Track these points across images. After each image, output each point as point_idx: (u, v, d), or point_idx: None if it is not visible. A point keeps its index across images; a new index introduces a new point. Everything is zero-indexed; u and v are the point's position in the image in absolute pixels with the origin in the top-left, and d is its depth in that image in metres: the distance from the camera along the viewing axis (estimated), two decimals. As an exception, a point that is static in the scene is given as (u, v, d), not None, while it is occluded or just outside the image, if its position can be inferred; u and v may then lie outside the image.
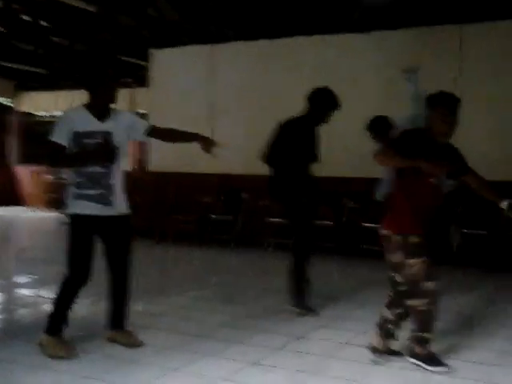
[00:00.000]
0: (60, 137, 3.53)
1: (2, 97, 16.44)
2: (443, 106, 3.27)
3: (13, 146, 15.51)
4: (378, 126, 5.02)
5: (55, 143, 3.53)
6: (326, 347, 3.76)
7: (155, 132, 3.78)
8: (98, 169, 3.52)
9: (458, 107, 3.30)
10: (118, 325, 3.82)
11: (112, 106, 3.66)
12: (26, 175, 14.45)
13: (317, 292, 4.68)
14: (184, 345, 3.78)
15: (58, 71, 14.13)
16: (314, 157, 4.58)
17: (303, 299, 4.50)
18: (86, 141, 3.51)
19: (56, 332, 3.60)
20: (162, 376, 3.21)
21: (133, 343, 3.74)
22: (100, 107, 3.59)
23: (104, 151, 3.50)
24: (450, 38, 7.22)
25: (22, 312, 4.76)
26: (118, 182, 3.63)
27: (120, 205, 3.67)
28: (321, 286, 4.91)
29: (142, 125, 3.76)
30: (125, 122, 3.67)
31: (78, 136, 3.51)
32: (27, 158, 15.55)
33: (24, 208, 14.01)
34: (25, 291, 5.62)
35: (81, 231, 3.58)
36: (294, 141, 4.48)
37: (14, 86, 15.29)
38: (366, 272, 6.42)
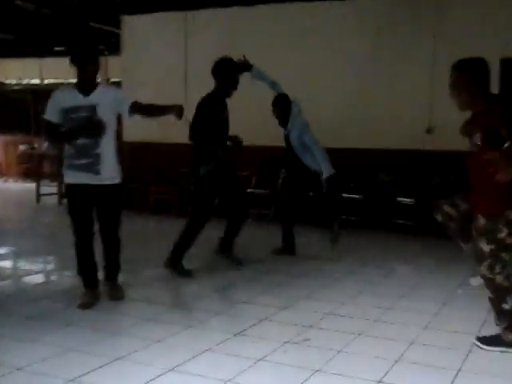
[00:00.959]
0: (51, 115, 3.88)
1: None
2: None
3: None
4: (281, 102, 5.51)
5: (48, 121, 3.89)
6: (312, 318, 3.82)
7: (136, 108, 3.95)
8: (86, 140, 3.83)
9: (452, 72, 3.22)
10: (110, 277, 4.23)
11: (97, 80, 3.97)
12: (-2, 145, 14.17)
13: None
14: (165, 316, 3.83)
15: (25, 37, 13.73)
16: (225, 131, 4.97)
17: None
18: (73, 115, 3.82)
19: (87, 284, 4.11)
20: (145, 347, 3.25)
21: (116, 296, 4.16)
22: (84, 82, 3.87)
23: (90, 125, 3.78)
24: (426, 4, 7.21)
25: (2, 284, 4.74)
26: (106, 152, 3.91)
27: (109, 174, 3.96)
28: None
29: (128, 101, 3.95)
30: (110, 96, 3.93)
31: (65, 112, 3.84)
32: (-1, 127, 15.23)
33: (-4, 178, 13.81)
34: (3, 263, 5.59)
35: (76, 199, 3.97)
36: (203, 118, 4.78)
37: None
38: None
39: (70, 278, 5.04)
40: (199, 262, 5.27)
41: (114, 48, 11.04)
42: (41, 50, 14.53)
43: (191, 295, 4.38)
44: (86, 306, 3.96)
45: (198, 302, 4.18)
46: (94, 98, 3.84)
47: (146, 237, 7.11)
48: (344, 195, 7.17)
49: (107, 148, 3.92)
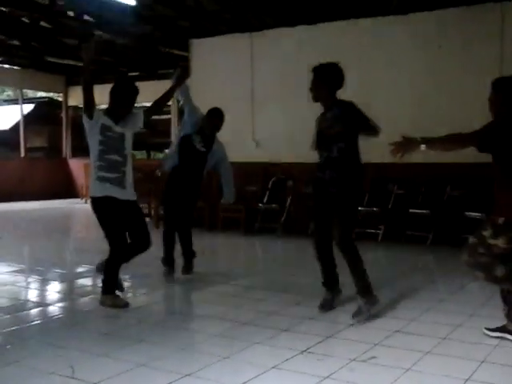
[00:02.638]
0: (96, 119, 4.33)
1: (54, 92, 16.99)
2: None
3: (65, 139, 16.03)
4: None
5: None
6: (379, 335, 3.78)
7: (150, 111, 4.64)
8: (117, 157, 4.31)
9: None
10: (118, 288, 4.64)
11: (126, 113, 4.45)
12: (79, 167, 14.93)
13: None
14: (233, 332, 3.89)
15: (103, 65, 14.47)
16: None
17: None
18: (108, 133, 4.32)
19: (110, 291, 4.50)
20: (213, 363, 3.31)
21: (118, 305, 4.46)
22: (116, 113, 4.39)
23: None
24: (490, 17, 7.04)
25: (82, 301, 5.00)
26: (129, 170, 4.41)
27: (131, 190, 4.43)
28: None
29: (139, 116, 4.50)
30: (130, 122, 4.45)
31: (103, 128, 4.31)
32: (79, 151, 16.07)
33: (78, 200, 14.53)
34: (83, 281, 5.91)
35: (109, 210, 4.36)
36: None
37: (64, 81, 15.72)
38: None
39: (143, 295, 5.26)
40: (267, 279, 5.33)
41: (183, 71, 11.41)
42: (116, 77, 15.25)
43: (259, 312, 4.43)
44: (127, 304, 4.49)
45: (265, 319, 4.22)
46: (121, 127, 4.38)
47: (214, 254, 7.26)
48: (411, 210, 7.05)
49: (130, 167, 4.41)
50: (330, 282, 4.38)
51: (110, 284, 4.52)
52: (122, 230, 4.42)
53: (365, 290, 4.11)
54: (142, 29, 11.36)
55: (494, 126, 3.40)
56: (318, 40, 8.24)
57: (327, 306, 4.33)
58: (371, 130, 4.14)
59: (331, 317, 4.20)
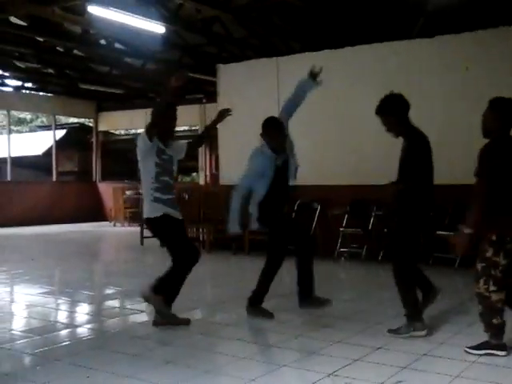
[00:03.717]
0: (153, 141, 4.47)
1: (85, 117, 17.42)
2: None
3: (95, 163, 16.35)
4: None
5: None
6: (407, 359, 3.74)
7: (190, 147, 4.82)
8: (169, 179, 4.52)
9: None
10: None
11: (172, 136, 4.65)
12: (107, 191, 15.18)
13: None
14: (259, 355, 3.90)
15: (133, 91, 14.80)
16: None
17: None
18: (164, 156, 4.51)
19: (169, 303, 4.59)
20: (239, 386, 3.32)
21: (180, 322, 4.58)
22: (165, 136, 4.56)
23: None
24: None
25: (110, 322, 5.05)
26: (174, 192, 4.65)
27: (179, 211, 4.61)
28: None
29: (184, 146, 4.75)
30: (176, 148, 4.65)
31: (160, 151, 4.49)
32: (108, 175, 16.37)
33: (107, 223, 14.75)
34: (112, 302, 5.98)
35: (171, 226, 4.51)
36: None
37: (95, 107, 16.11)
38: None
39: (170, 316, 5.28)
40: (292, 301, 5.31)
41: (211, 96, 11.61)
42: (146, 102, 15.56)
43: (285, 334, 4.41)
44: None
45: (292, 341, 4.20)
46: (170, 150, 4.56)
47: (241, 277, 7.26)
48: (438, 232, 6.98)
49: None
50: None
51: (170, 297, 4.61)
52: (185, 239, 4.68)
53: (409, 313, 4.20)
54: (171, 55, 11.64)
55: (488, 154, 3.61)
56: (344, 64, 8.30)
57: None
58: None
59: (359, 341, 4.16)
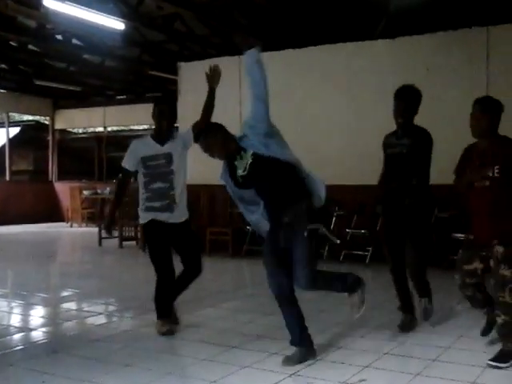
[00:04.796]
0: (128, 163, 4.33)
1: (41, 115, 16.96)
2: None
3: (51, 162, 15.95)
4: None
5: (125, 169, 4.36)
6: (368, 358, 3.73)
7: (196, 127, 4.35)
8: (161, 184, 4.26)
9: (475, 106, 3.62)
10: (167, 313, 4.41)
11: (170, 130, 4.35)
12: (64, 191, 14.83)
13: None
14: (220, 356, 3.83)
15: (91, 88, 14.49)
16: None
17: None
18: (150, 163, 4.27)
19: (159, 316, 4.35)
20: (201, 388, 3.27)
21: (159, 331, 4.32)
22: (160, 134, 4.33)
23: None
24: (476, 40, 7.18)
25: (66, 325, 4.90)
26: (179, 192, 4.32)
27: (182, 212, 4.37)
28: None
29: (190, 133, 4.35)
30: (180, 142, 4.36)
31: (144, 160, 4.27)
32: (65, 174, 15.98)
33: (64, 223, 14.40)
34: (68, 305, 5.80)
35: (156, 235, 4.30)
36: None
37: (51, 104, 15.72)
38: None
39: (130, 319, 5.18)
40: (257, 301, 5.28)
41: (172, 94, 11.46)
42: (104, 100, 15.28)
43: (247, 336, 4.37)
44: (170, 332, 4.31)
45: (254, 342, 4.17)
46: (169, 146, 4.29)
47: (202, 278, 7.18)
48: (455, 235, 6.94)
49: (180, 188, 4.33)
50: (408, 304, 4.41)
51: (158, 309, 4.39)
52: (165, 254, 4.30)
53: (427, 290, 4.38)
54: (131, 52, 11.43)
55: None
56: (307, 63, 8.33)
57: (406, 328, 4.30)
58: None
59: (320, 340, 4.15)
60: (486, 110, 3.58)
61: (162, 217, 4.27)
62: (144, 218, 4.36)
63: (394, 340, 4.11)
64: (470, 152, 3.73)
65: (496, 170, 3.47)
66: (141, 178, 4.35)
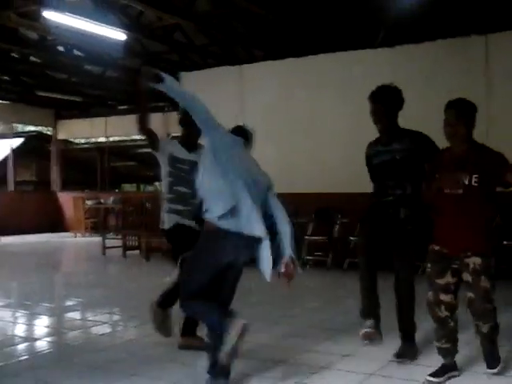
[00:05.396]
0: (162, 150, 4.19)
1: (43, 126, 17.04)
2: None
3: (54, 172, 16.00)
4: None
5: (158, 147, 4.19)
6: (372, 367, 3.74)
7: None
8: (185, 189, 4.12)
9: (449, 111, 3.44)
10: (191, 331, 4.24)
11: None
12: (68, 201, 14.85)
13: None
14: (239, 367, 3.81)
15: (92, 98, 14.57)
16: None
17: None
18: (179, 165, 4.19)
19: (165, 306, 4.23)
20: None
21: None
22: (189, 141, 4.26)
23: None
24: (475, 48, 7.22)
25: (71, 335, 4.92)
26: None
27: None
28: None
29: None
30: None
31: (173, 159, 4.18)
32: (68, 184, 16.03)
33: (68, 233, 14.42)
34: (73, 314, 5.82)
35: (181, 239, 4.06)
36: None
37: (53, 115, 15.78)
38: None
39: (134, 328, 5.19)
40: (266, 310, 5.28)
41: (174, 104, 11.51)
42: (106, 110, 15.35)
43: (252, 345, 4.38)
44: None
45: (260, 351, 4.17)
46: (195, 156, 4.14)
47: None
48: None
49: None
50: (373, 310, 3.87)
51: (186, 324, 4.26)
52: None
53: (411, 334, 3.86)
54: (132, 62, 11.50)
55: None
56: (307, 72, 8.37)
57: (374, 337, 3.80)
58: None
59: (326, 349, 4.16)
60: (462, 114, 3.38)
61: (186, 222, 4.10)
62: (168, 221, 4.19)
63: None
64: (441, 156, 3.53)
65: (474, 179, 3.27)
66: (166, 178, 4.22)
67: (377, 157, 3.94)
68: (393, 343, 3.91)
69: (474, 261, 3.28)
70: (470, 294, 3.33)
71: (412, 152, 3.80)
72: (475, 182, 3.27)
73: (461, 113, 3.38)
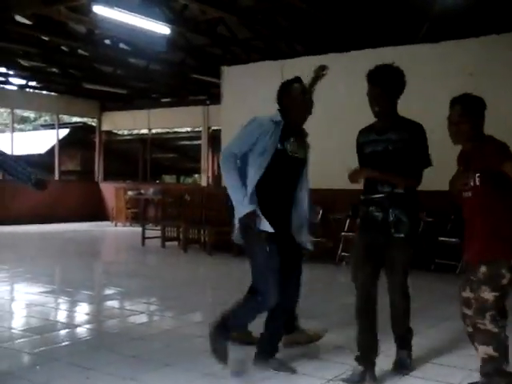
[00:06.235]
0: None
1: (88, 117, 17.45)
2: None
3: (98, 163, 16.36)
4: None
5: None
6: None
7: None
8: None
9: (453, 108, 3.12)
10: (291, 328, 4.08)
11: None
12: (110, 191, 15.18)
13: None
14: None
15: (136, 91, 14.81)
16: None
17: None
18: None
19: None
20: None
21: (313, 339, 4.11)
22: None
23: None
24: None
25: (109, 323, 5.03)
26: None
27: None
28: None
29: None
30: None
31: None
32: (110, 175, 16.38)
33: (109, 223, 14.75)
34: (111, 303, 5.97)
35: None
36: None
37: (98, 107, 16.13)
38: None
39: (170, 318, 5.28)
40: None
41: (215, 97, 11.62)
42: (149, 102, 15.58)
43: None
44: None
45: (292, 348, 4.18)
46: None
47: (242, 279, 7.24)
48: (440, 239, 6.98)
49: None
50: (369, 350, 3.43)
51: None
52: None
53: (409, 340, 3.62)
54: (175, 56, 11.64)
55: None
56: (348, 68, 8.29)
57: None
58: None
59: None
60: (467, 111, 3.06)
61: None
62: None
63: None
64: (459, 156, 3.24)
65: (477, 179, 2.95)
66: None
67: (369, 146, 3.52)
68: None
69: (481, 269, 2.92)
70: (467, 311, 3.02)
71: (407, 144, 3.40)
72: (478, 181, 2.95)
73: (465, 110, 3.06)
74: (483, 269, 2.91)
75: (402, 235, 3.36)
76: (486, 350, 2.88)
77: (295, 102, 3.61)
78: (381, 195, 3.39)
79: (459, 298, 3.08)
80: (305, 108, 3.61)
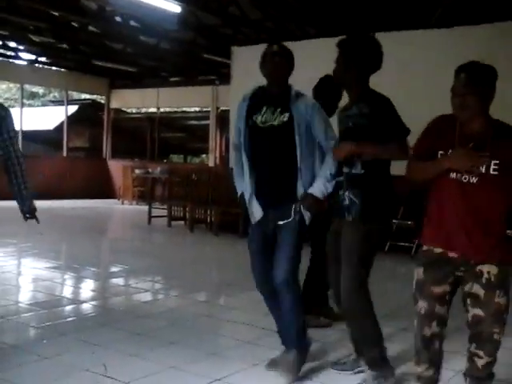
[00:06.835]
0: None
1: (97, 94, 17.42)
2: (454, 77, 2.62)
3: (106, 140, 16.37)
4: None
5: None
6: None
7: None
8: None
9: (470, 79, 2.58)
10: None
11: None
12: (117, 169, 15.21)
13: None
14: (265, 340, 3.88)
15: (146, 69, 14.76)
16: None
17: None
18: None
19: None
20: (242, 370, 3.35)
21: (323, 324, 4.19)
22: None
23: None
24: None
25: (115, 300, 5.11)
26: None
27: None
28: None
29: None
30: None
31: None
32: (118, 153, 16.41)
33: (116, 200, 14.81)
34: (117, 280, 6.03)
35: None
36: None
37: (108, 84, 16.08)
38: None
39: (175, 297, 5.33)
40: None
41: (225, 78, 11.56)
42: (158, 81, 15.53)
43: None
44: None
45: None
46: None
47: (247, 260, 7.28)
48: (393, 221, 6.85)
49: None
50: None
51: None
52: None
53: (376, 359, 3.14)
54: (185, 35, 11.56)
55: None
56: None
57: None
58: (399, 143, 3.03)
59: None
60: (474, 81, 2.59)
61: None
62: None
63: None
64: (445, 126, 2.65)
65: (494, 167, 2.48)
66: None
67: (340, 124, 3.24)
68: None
69: (490, 270, 2.53)
70: (478, 312, 2.56)
71: (370, 119, 3.01)
72: (494, 169, 2.48)
73: (472, 79, 2.58)
74: (494, 270, 2.54)
75: (350, 218, 3.07)
76: (488, 359, 2.60)
77: (262, 65, 3.37)
78: (341, 178, 3.14)
79: (426, 296, 2.62)
80: (272, 67, 3.26)
